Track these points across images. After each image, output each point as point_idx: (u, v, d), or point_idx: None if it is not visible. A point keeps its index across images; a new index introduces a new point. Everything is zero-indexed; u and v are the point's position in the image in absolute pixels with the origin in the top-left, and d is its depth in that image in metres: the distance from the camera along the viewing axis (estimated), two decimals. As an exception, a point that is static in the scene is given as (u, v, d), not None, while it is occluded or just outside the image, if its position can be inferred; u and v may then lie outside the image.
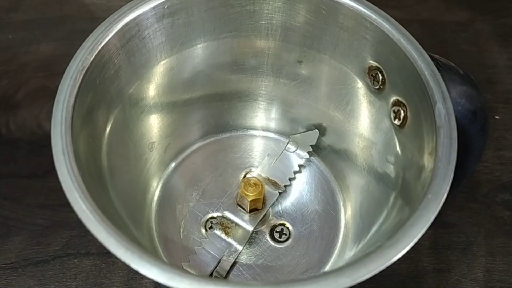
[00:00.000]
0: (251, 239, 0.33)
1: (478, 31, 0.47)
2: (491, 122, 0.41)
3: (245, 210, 0.33)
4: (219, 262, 0.31)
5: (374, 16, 0.27)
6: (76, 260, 0.34)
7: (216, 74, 0.33)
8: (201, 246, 0.32)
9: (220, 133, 0.37)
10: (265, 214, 0.33)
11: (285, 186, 0.35)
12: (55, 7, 0.47)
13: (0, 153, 0.38)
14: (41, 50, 0.44)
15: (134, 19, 0.27)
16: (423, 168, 0.24)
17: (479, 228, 0.36)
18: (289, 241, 0.33)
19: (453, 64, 0.27)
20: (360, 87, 0.30)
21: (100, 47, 0.26)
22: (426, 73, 0.25)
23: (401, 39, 0.26)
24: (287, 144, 0.36)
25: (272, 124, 0.37)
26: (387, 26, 0.27)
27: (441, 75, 0.25)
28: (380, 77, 0.28)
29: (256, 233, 0.33)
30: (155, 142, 0.34)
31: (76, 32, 0.44)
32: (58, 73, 0.25)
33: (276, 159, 0.36)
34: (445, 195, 0.22)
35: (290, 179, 0.35)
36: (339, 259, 0.32)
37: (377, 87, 0.29)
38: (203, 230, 0.33)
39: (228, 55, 0.32)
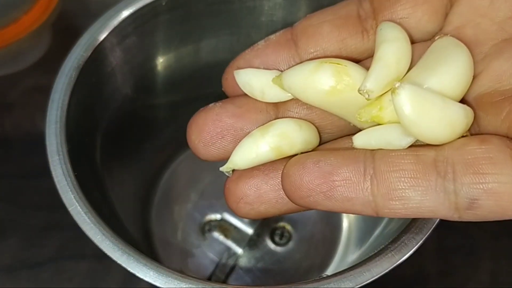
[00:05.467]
0: (251, 242, 0.33)
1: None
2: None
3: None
4: (218, 265, 0.31)
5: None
6: (72, 263, 0.34)
7: (215, 72, 0.33)
8: (200, 249, 0.32)
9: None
10: (265, 216, 0.33)
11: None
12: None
13: (-5, 153, 0.38)
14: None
15: (131, 15, 0.27)
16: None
17: (484, 231, 0.36)
18: (290, 243, 0.33)
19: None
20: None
21: (96, 44, 0.26)
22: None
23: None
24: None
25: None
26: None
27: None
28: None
29: (256, 236, 0.33)
30: (155, 142, 0.33)
31: (72, 29, 0.44)
32: (53, 71, 0.25)
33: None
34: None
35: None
36: (341, 263, 0.32)
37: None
38: (202, 232, 0.33)
39: (227, 53, 0.32)
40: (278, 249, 0.33)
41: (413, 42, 0.19)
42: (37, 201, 0.36)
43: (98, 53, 0.26)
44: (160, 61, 0.30)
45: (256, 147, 0.19)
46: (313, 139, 0.20)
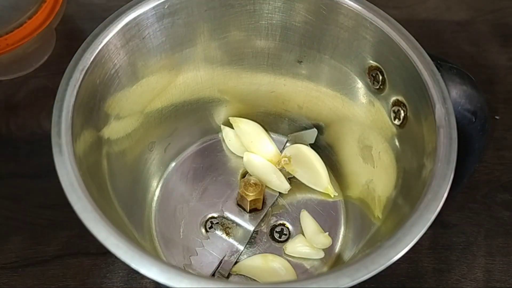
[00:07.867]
0: (251, 239, 0.33)
1: (478, 31, 0.47)
2: (491, 122, 0.41)
3: (245, 210, 0.33)
4: (221, 262, 0.31)
5: (374, 16, 0.27)
6: (76, 260, 0.34)
7: (216, 74, 0.33)
8: (202, 247, 0.32)
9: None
10: (265, 214, 0.33)
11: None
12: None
13: (0, 153, 0.38)
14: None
15: (134, 19, 0.27)
16: (423, 168, 0.24)
17: (479, 228, 0.36)
18: (289, 241, 0.33)
19: (453, 64, 0.27)
20: (360, 87, 0.30)
21: (100, 47, 0.26)
22: (426, 73, 0.25)
23: (401, 39, 0.26)
24: (286, 143, 0.36)
25: (272, 123, 0.37)
26: (387, 26, 0.27)
27: (441, 75, 0.25)
28: (380, 77, 0.28)
29: (256, 233, 0.33)
30: (155, 142, 0.34)
31: (76, 32, 0.44)
32: (58, 73, 0.25)
33: (276, 159, 0.36)
34: (445, 195, 0.22)
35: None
36: (339, 259, 0.32)
37: (377, 87, 0.29)
38: (203, 230, 0.33)
39: (228, 55, 0.32)
40: (278, 246, 0.33)
41: None
42: (42, 200, 0.36)
43: (102, 56, 0.26)
44: (163, 64, 0.30)
45: None
46: None
